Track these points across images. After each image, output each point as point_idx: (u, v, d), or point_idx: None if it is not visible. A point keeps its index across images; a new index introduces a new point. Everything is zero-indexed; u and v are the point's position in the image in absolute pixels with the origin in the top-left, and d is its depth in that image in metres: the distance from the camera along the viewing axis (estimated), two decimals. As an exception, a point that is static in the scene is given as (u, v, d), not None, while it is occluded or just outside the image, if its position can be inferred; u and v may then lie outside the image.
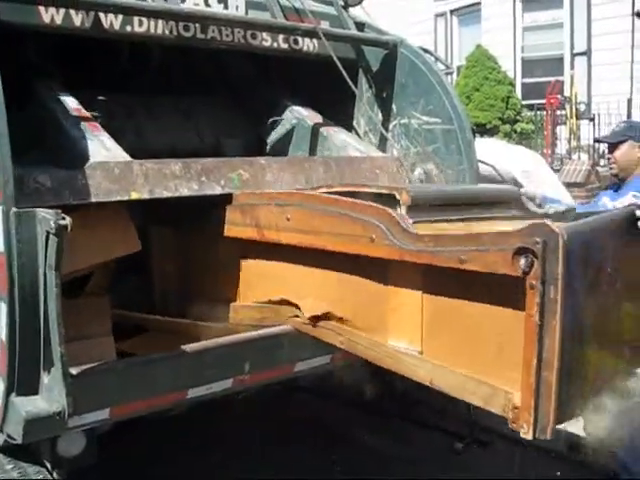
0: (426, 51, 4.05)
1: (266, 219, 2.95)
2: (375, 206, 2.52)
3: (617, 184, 4.05)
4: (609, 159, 4.05)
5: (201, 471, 3.59)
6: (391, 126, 4.04)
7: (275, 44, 3.80)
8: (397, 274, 2.48)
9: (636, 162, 3.92)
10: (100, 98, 3.79)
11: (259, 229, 2.98)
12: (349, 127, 4.29)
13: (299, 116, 4.04)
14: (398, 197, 2.57)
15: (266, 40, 3.76)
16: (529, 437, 1.98)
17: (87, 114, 3.20)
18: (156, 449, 3.63)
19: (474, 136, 3.95)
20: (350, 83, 3.81)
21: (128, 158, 2.99)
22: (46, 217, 2.33)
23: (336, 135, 3.97)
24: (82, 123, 3.11)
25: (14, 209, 2.41)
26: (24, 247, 2.39)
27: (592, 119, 14.68)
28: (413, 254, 2.32)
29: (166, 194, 2.99)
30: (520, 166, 5.16)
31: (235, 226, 3.11)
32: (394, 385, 3.99)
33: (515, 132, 15.20)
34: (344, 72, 3.73)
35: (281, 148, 4.04)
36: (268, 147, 4.07)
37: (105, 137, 3.10)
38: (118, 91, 3.83)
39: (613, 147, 3.96)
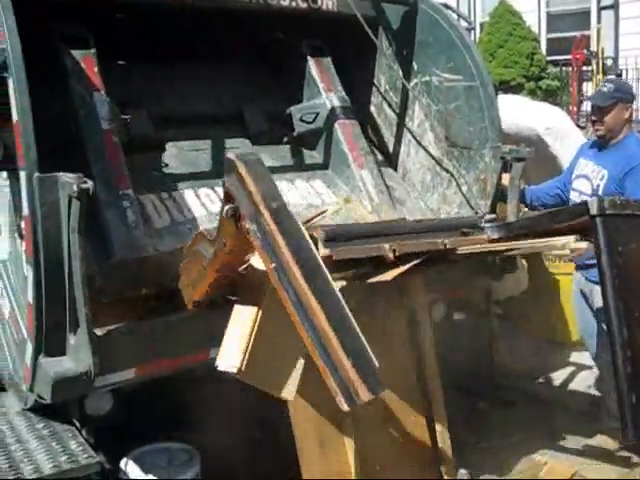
0: (447, 7, 3.98)
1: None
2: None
3: (600, 143, 3.94)
4: (594, 122, 3.91)
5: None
6: (412, 84, 3.99)
7: (293, 3, 3.76)
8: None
9: (623, 123, 3.82)
10: (120, 63, 3.80)
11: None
12: (369, 85, 4.26)
13: (326, 104, 3.94)
14: (315, 235, 2.50)
15: (284, 0, 3.72)
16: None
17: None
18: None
19: (497, 93, 3.89)
20: (374, 39, 3.77)
21: None
22: (68, 181, 2.35)
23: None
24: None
25: (37, 174, 2.44)
26: (48, 211, 2.43)
27: (619, 75, 14.34)
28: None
29: None
30: (543, 123, 5.09)
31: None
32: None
33: (540, 89, 14.92)
34: (368, 29, 3.68)
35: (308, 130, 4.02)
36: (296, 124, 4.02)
37: None
38: (137, 58, 3.82)
39: (601, 109, 3.84)
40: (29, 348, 2.68)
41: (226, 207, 1.98)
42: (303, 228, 2.02)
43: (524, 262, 4.73)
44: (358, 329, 1.84)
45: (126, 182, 3.07)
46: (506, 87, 13.61)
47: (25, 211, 2.51)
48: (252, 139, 3.88)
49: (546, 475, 3.58)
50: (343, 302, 1.87)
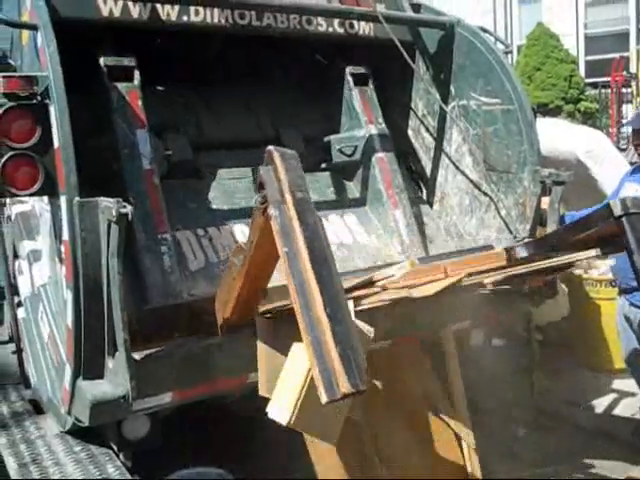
0: (484, 30, 3.97)
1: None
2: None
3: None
4: (636, 146, 3.85)
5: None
6: (449, 108, 3.98)
7: (330, 29, 3.78)
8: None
9: None
10: (159, 89, 3.84)
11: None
12: (407, 109, 4.25)
13: (366, 136, 3.93)
14: None
15: (321, 25, 3.74)
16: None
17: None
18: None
19: (535, 116, 3.86)
20: (411, 63, 3.77)
21: None
22: (108, 206, 2.38)
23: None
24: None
25: (77, 198, 2.47)
26: (87, 236, 2.46)
27: (660, 96, 14.19)
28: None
29: None
30: (583, 146, 5.04)
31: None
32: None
33: (579, 112, 14.80)
34: (405, 54, 3.68)
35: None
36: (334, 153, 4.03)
37: None
38: (176, 82, 3.87)
39: (639, 132, 3.78)
40: (68, 371, 2.70)
41: (257, 196, 2.03)
42: (320, 221, 2.04)
43: (564, 287, 4.65)
44: (352, 322, 1.85)
45: (164, 226, 3.11)
46: (544, 110, 13.52)
47: (65, 236, 2.55)
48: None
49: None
50: (343, 294, 1.88)
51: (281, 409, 2.27)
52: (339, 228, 3.75)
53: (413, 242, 3.74)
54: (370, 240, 3.78)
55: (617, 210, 2.42)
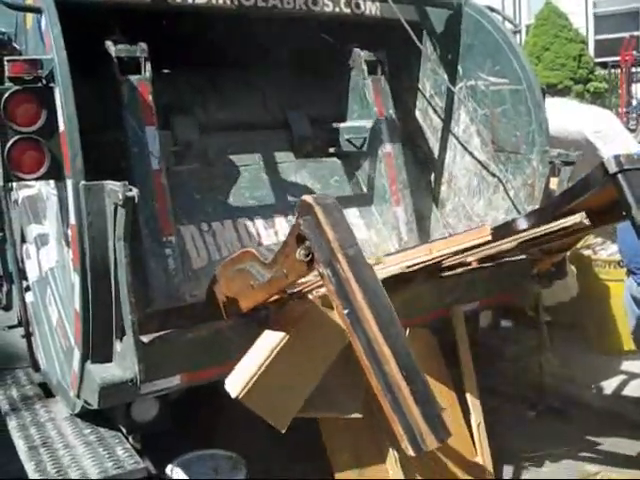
0: (492, 10, 3.93)
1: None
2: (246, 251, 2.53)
3: None
4: None
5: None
6: (457, 88, 3.95)
7: (337, 9, 3.74)
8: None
9: None
10: (165, 71, 3.82)
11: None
12: (415, 90, 4.22)
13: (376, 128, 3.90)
14: None
15: (327, 5, 3.71)
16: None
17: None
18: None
19: (544, 96, 3.82)
20: (418, 44, 3.74)
21: None
22: (114, 189, 2.37)
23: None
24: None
25: (83, 182, 2.46)
26: (94, 219, 2.45)
27: (670, 75, 14.06)
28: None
29: None
30: (592, 126, 4.99)
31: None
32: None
33: (588, 92, 14.66)
34: (412, 34, 3.64)
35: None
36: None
37: None
38: (183, 65, 3.85)
39: None
40: (76, 355, 2.71)
41: (300, 249, 2.02)
42: (377, 277, 2.05)
43: (573, 268, 4.63)
44: (426, 379, 1.91)
45: (170, 228, 3.16)
46: (553, 90, 13.39)
47: (72, 219, 2.55)
48: (296, 146, 3.87)
49: (598, 487, 3.50)
50: (412, 353, 1.92)
51: (235, 382, 2.44)
52: None
53: (411, 239, 3.77)
54: (369, 235, 3.82)
55: (612, 167, 2.41)
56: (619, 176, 2.40)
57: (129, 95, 3.13)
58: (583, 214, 2.50)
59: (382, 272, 2.89)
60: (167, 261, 3.11)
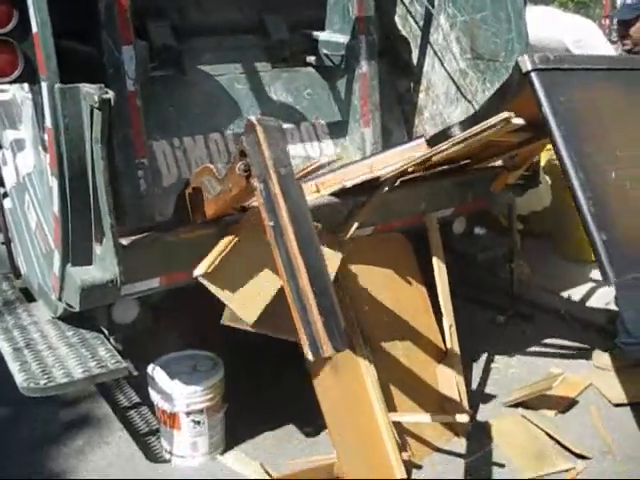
0: None
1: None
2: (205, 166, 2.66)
3: None
4: (622, 37, 3.74)
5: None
6: (437, -6, 3.88)
7: None
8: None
9: None
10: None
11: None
12: (394, -3, 4.15)
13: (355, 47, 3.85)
14: None
15: None
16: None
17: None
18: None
19: (525, 4, 3.78)
20: None
21: None
22: (90, 92, 2.35)
23: None
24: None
25: (58, 85, 2.44)
26: (70, 122, 2.44)
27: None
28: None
29: None
30: (572, 35, 4.93)
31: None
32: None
33: (572, 1, 14.43)
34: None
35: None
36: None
37: None
38: None
39: (626, 23, 3.67)
40: (57, 258, 2.75)
41: (239, 163, 2.18)
42: (304, 196, 2.24)
43: (547, 178, 4.69)
44: (334, 293, 2.11)
45: (143, 151, 3.18)
46: (536, -1, 13.15)
47: (48, 123, 2.53)
48: (272, 50, 3.82)
49: (561, 386, 3.65)
50: (326, 269, 2.13)
51: (203, 263, 2.57)
52: (308, 138, 3.82)
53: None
54: (335, 151, 3.85)
55: (526, 66, 2.46)
56: (532, 75, 2.45)
57: (105, 14, 3.03)
58: (512, 114, 2.51)
59: (324, 190, 3.09)
60: (139, 183, 3.16)
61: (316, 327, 2.01)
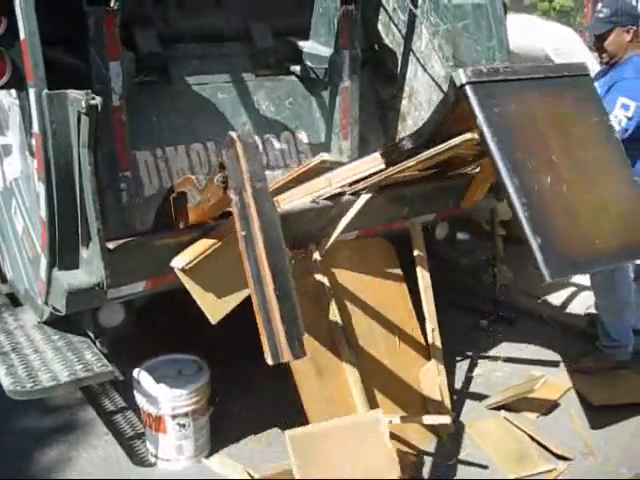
0: None
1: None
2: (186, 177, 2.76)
3: (605, 69, 3.80)
4: (598, 49, 3.79)
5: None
6: (420, 2, 3.94)
7: None
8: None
9: (625, 46, 3.65)
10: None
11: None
12: (377, 3, 4.20)
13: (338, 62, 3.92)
14: None
15: None
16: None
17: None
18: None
19: (506, 12, 3.85)
20: None
21: None
22: (77, 97, 2.38)
23: None
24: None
25: (46, 91, 2.47)
26: (58, 128, 2.47)
27: (637, -5, 13.96)
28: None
29: None
30: (553, 43, 5.03)
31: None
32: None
33: (554, 10, 14.58)
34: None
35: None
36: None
37: None
38: None
39: (599, 38, 3.71)
40: (43, 263, 2.76)
41: (218, 175, 2.31)
42: (277, 209, 2.43)
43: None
44: (297, 301, 2.22)
45: (127, 164, 3.30)
46: (520, 6, 13.28)
47: (35, 128, 2.55)
48: (257, 58, 3.86)
49: (542, 389, 3.70)
50: (291, 278, 2.24)
51: (182, 257, 2.68)
52: (288, 149, 3.91)
53: None
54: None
55: (460, 80, 2.53)
56: (466, 88, 2.52)
57: (95, 30, 3.07)
58: (475, 135, 2.56)
59: (289, 205, 3.17)
60: (121, 195, 3.27)
61: (277, 334, 2.15)
